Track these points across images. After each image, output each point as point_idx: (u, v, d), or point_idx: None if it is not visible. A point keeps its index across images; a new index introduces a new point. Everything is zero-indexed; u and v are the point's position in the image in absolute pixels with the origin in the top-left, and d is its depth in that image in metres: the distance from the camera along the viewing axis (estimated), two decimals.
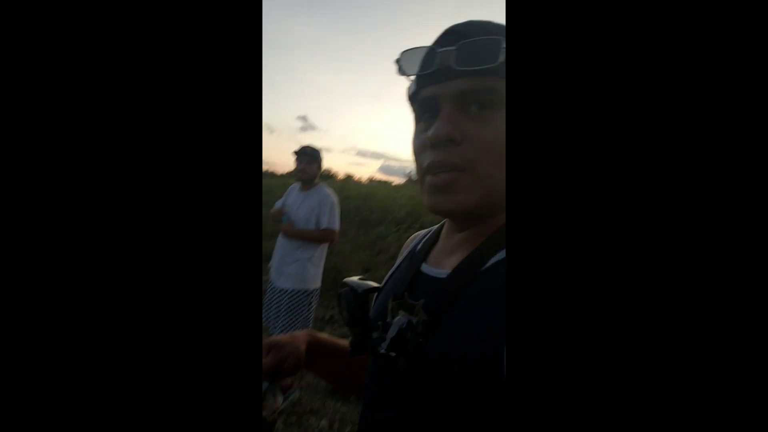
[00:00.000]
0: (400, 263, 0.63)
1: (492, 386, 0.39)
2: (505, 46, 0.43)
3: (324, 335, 0.68)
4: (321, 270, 2.62)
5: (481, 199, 0.46)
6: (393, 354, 0.48)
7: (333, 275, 3.62)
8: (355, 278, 0.52)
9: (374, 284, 0.51)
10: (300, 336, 0.64)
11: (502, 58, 0.43)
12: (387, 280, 0.62)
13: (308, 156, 2.61)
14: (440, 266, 0.53)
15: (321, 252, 2.61)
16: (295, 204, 2.63)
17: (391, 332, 0.49)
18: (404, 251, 0.67)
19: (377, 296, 0.60)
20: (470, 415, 0.41)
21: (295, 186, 2.75)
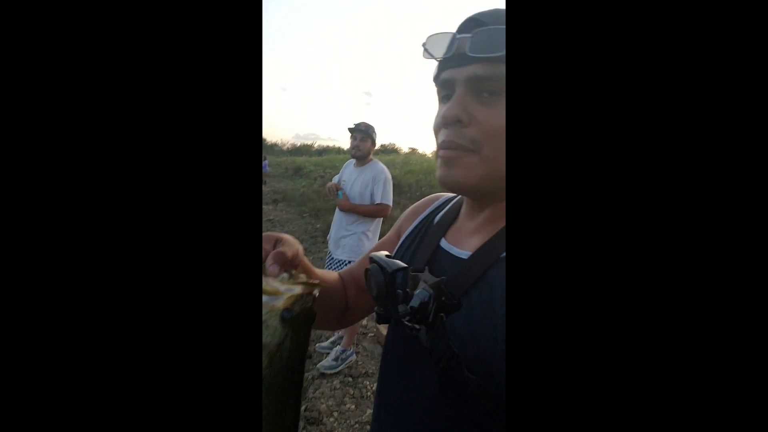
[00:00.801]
0: (417, 232, 0.65)
1: (499, 371, 0.42)
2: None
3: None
4: (376, 242, 2.71)
5: (483, 179, 0.49)
6: (416, 325, 0.50)
7: None
8: (381, 253, 0.53)
9: (402, 264, 0.51)
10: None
11: None
12: (401, 246, 0.65)
13: (362, 132, 2.68)
14: (461, 246, 0.55)
15: (376, 226, 2.71)
16: (350, 179, 2.74)
17: (413, 303, 0.51)
18: (412, 218, 0.69)
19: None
20: (479, 391, 0.44)
21: (351, 162, 2.85)
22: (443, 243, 0.58)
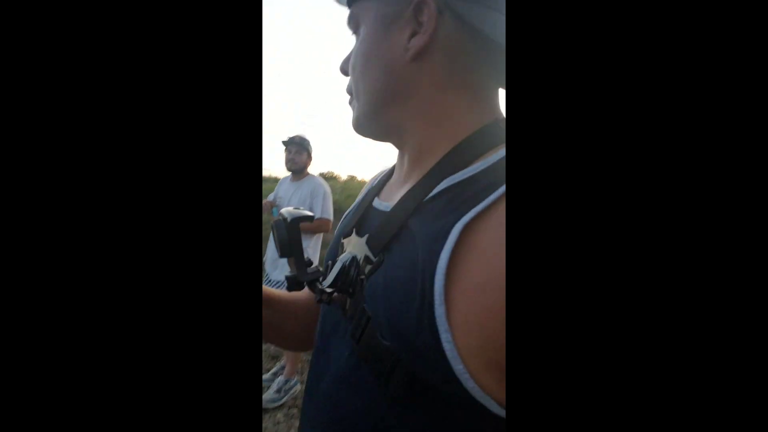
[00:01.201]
0: (358, 201, 0.61)
1: (420, 314, 0.36)
2: None
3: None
4: (316, 260, 2.58)
5: (362, 116, 0.48)
6: (331, 291, 0.45)
7: None
8: (290, 208, 0.50)
9: (308, 213, 0.48)
10: None
11: None
12: (341, 221, 0.60)
13: (297, 145, 2.58)
14: (389, 200, 0.50)
15: (315, 242, 2.58)
16: (286, 195, 2.61)
17: (335, 269, 0.47)
18: (362, 191, 0.64)
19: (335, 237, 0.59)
20: (395, 362, 0.37)
21: (287, 177, 2.72)
22: (375, 202, 0.53)
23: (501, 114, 0.46)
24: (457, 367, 0.34)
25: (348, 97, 0.51)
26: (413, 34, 0.42)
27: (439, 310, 0.34)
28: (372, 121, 0.48)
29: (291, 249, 0.47)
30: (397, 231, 0.42)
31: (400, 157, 0.52)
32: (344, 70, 0.50)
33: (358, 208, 0.57)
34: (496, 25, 0.41)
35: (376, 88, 0.46)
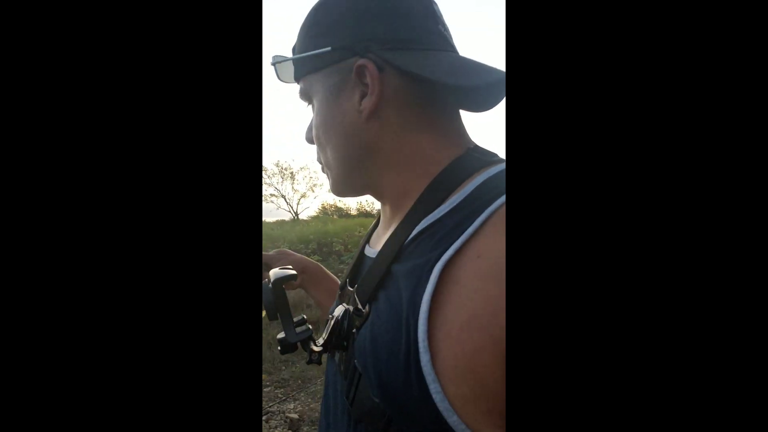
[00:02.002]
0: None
1: (406, 365, 0.34)
2: (298, 58, 0.48)
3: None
4: None
5: (335, 182, 0.50)
6: (320, 350, 0.46)
7: None
8: (277, 269, 0.50)
9: (292, 272, 0.49)
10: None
11: (293, 75, 0.51)
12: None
13: None
14: (376, 246, 0.50)
15: None
16: None
17: (329, 325, 0.46)
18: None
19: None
20: (387, 421, 0.36)
21: None
22: (366, 250, 0.53)
23: (471, 143, 0.47)
24: (452, 419, 0.32)
25: (320, 165, 0.53)
26: (363, 96, 0.44)
27: (424, 357, 0.33)
28: (347, 184, 0.49)
29: (276, 311, 0.47)
30: (382, 278, 0.41)
31: (383, 205, 0.52)
32: (309, 140, 0.51)
33: (354, 258, 0.56)
34: (434, 65, 0.43)
35: (341, 153, 0.47)
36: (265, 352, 3.45)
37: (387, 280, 0.40)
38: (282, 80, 0.51)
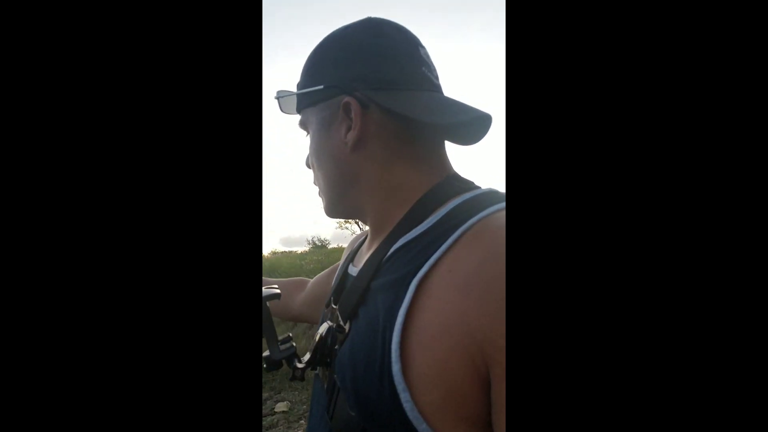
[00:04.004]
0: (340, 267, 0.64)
1: (379, 377, 0.35)
2: (298, 93, 0.52)
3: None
4: None
5: (327, 205, 0.54)
6: (304, 366, 0.46)
7: None
8: (264, 287, 0.51)
9: (276, 291, 0.49)
10: None
11: (295, 106, 0.54)
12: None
13: None
14: (359, 265, 0.52)
15: None
16: None
17: (314, 342, 0.47)
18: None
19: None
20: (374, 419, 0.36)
21: None
22: (350, 268, 0.55)
23: (451, 170, 0.51)
24: (421, 427, 0.32)
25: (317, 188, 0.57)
26: (349, 129, 0.48)
27: (395, 367, 0.34)
28: (337, 206, 0.53)
29: (262, 328, 0.47)
30: (362, 295, 0.43)
31: (369, 227, 0.55)
32: (307, 165, 0.56)
33: (337, 276, 0.59)
34: (414, 103, 0.46)
35: (331, 179, 0.51)
36: None
37: (367, 296, 0.42)
38: (284, 112, 0.56)
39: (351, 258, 0.58)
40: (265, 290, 0.49)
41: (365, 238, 0.60)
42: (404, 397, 0.33)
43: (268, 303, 0.49)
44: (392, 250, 0.44)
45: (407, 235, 0.44)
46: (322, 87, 0.49)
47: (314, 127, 0.51)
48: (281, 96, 0.54)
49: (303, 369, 0.45)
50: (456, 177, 0.50)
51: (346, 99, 0.47)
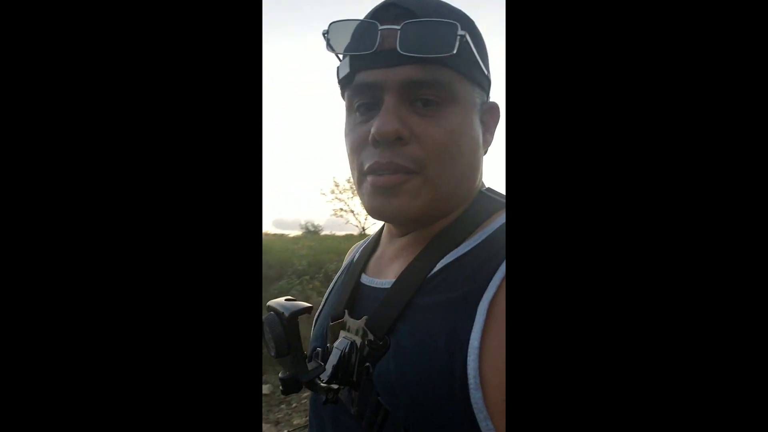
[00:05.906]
0: (337, 278, 0.58)
1: (453, 403, 0.33)
2: (461, 33, 0.39)
3: None
4: None
5: (429, 204, 0.42)
6: (335, 386, 0.41)
7: None
8: (281, 299, 0.43)
9: (305, 304, 0.42)
10: None
11: (456, 46, 0.38)
12: (325, 300, 0.56)
13: None
14: (382, 275, 0.48)
15: None
16: None
17: (332, 359, 0.42)
18: (343, 266, 0.60)
19: (315, 320, 0.55)
20: None
21: None
22: (363, 278, 0.49)
23: (482, 179, 0.49)
24: None
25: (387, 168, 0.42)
26: (487, 130, 0.46)
27: (476, 395, 0.32)
28: (440, 204, 0.43)
29: (290, 347, 0.41)
30: (402, 310, 0.39)
31: (396, 236, 0.49)
32: (398, 134, 0.40)
33: (343, 285, 0.52)
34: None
35: (465, 171, 0.44)
36: None
37: (408, 313, 0.39)
38: (405, 51, 0.38)
39: (362, 267, 0.51)
40: (287, 303, 0.43)
41: (372, 245, 0.54)
42: (485, 426, 0.32)
43: (297, 318, 0.42)
44: (439, 266, 0.41)
45: (456, 250, 0.41)
46: (488, 74, 0.45)
47: (466, 107, 0.42)
48: (461, 34, 0.39)
49: (336, 390, 0.41)
50: (490, 190, 0.48)
51: (495, 103, 0.46)
